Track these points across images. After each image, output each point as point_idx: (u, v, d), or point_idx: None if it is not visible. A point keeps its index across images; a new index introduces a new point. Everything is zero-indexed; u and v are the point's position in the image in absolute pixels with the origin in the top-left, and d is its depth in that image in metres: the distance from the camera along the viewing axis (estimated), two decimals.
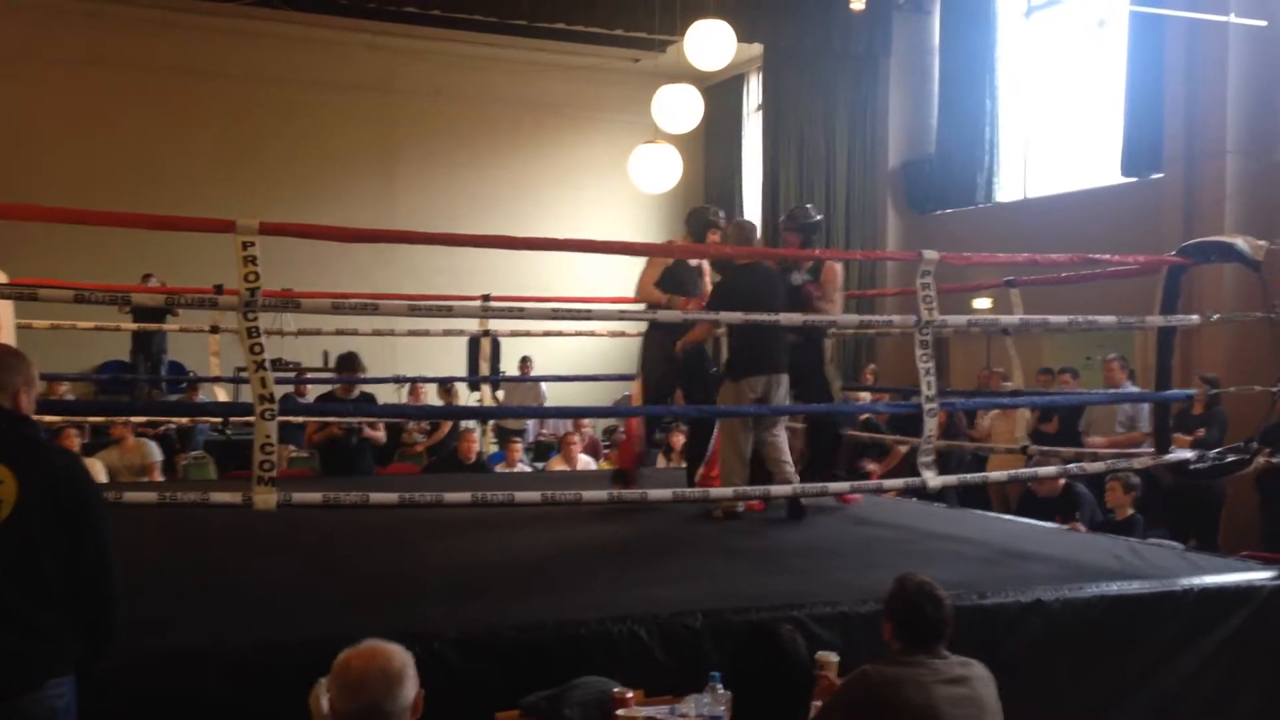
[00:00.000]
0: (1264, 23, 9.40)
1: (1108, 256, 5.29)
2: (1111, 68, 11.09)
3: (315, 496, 3.79)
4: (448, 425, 9.92)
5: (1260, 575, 4.78)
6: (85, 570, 2.66)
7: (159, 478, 8.83)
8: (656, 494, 4.65)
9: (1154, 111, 10.38)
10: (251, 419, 3.61)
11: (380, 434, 8.61)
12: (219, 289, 3.97)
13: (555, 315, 4.36)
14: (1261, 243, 5.28)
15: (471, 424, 9.32)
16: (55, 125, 13.20)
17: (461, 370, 11.82)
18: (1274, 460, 5.18)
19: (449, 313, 4.07)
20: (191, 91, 14.02)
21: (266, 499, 3.50)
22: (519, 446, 10.03)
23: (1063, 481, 7.60)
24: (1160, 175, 10.38)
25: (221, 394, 9.27)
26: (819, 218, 6.70)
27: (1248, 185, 9.62)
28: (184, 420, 9.54)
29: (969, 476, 4.99)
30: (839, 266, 6.33)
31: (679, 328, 6.27)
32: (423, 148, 15.31)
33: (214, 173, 13.49)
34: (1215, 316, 6.01)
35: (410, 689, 2.42)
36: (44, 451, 2.73)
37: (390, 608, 3.91)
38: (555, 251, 4.51)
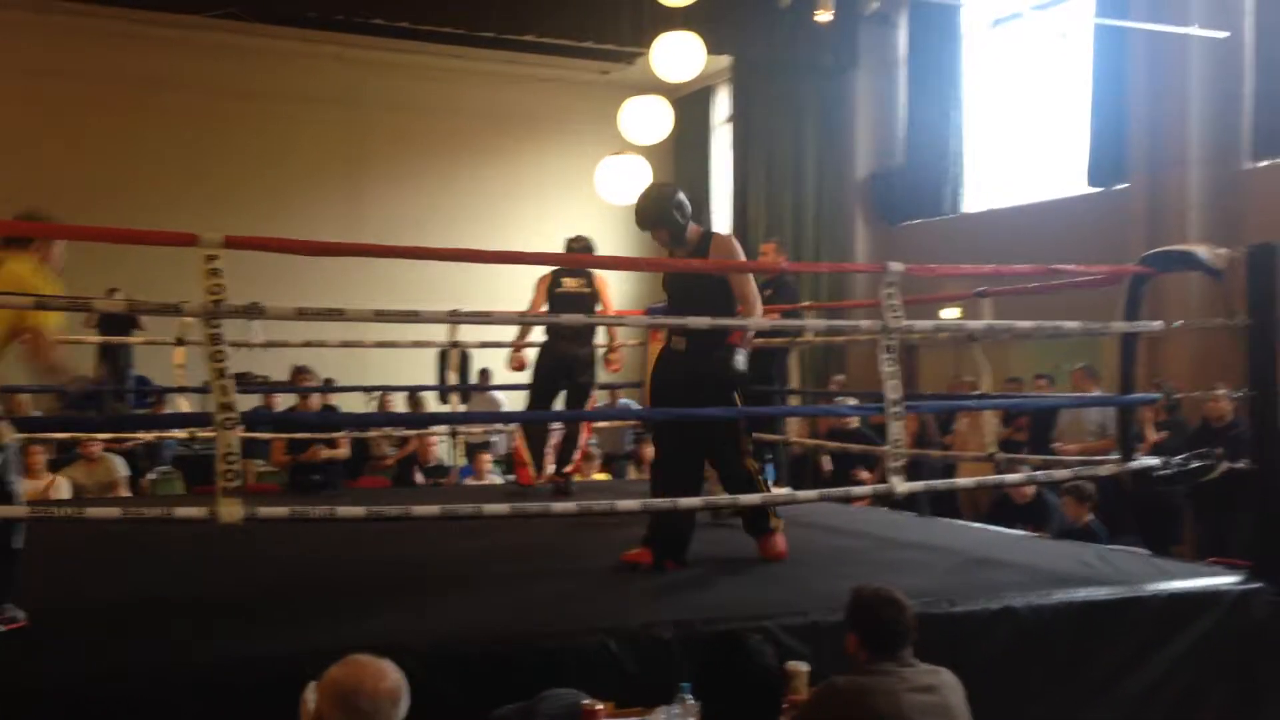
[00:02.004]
0: (1225, 34, 9.53)
1: (1072, 267, 5.33)
2: (1076, 79, 11.21)
3: (282, 510, 3.76)
4: (415, 440, 9.90)
5: (1226, 580, 4.83)
6: None
7: (125, 494, 8.74)
8: (625, 505, 4.63)
9: (1118, 122, 10.50)
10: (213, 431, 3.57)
11: (342, 451, 8.67)
12: (184, 301, 3.92)
13: (523, 321, 4.33)
14: (1222, 250, 5.33)
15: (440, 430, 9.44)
16: (10, 137, 13.05)
17: (432, 383, 11.80)
18: (1237, 466, 5.22)
19: (415, 318, 4.04)
20: (155, 104, 13.92)
21: (232, 512, 3.46)
22: (488, 459, 10.01)
23: (1033, 490, 7.66)
24: (1125, 185, 10.50)
25: (187, 406, 9.18)
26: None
27: (1211, 194, 9.74)
28: (150, 435, 9.44)
29: (937, 483, 5.00)
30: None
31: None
32: (391, 160, 15.25)
33: (178, 186, 13.37)
34: (1178, 323, 6.07)
35: (404, 708, 2.38)
36: None
37: (356, 620, 3.89)
38: (523, 265, 4.54)
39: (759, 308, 4.96)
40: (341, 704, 2.33)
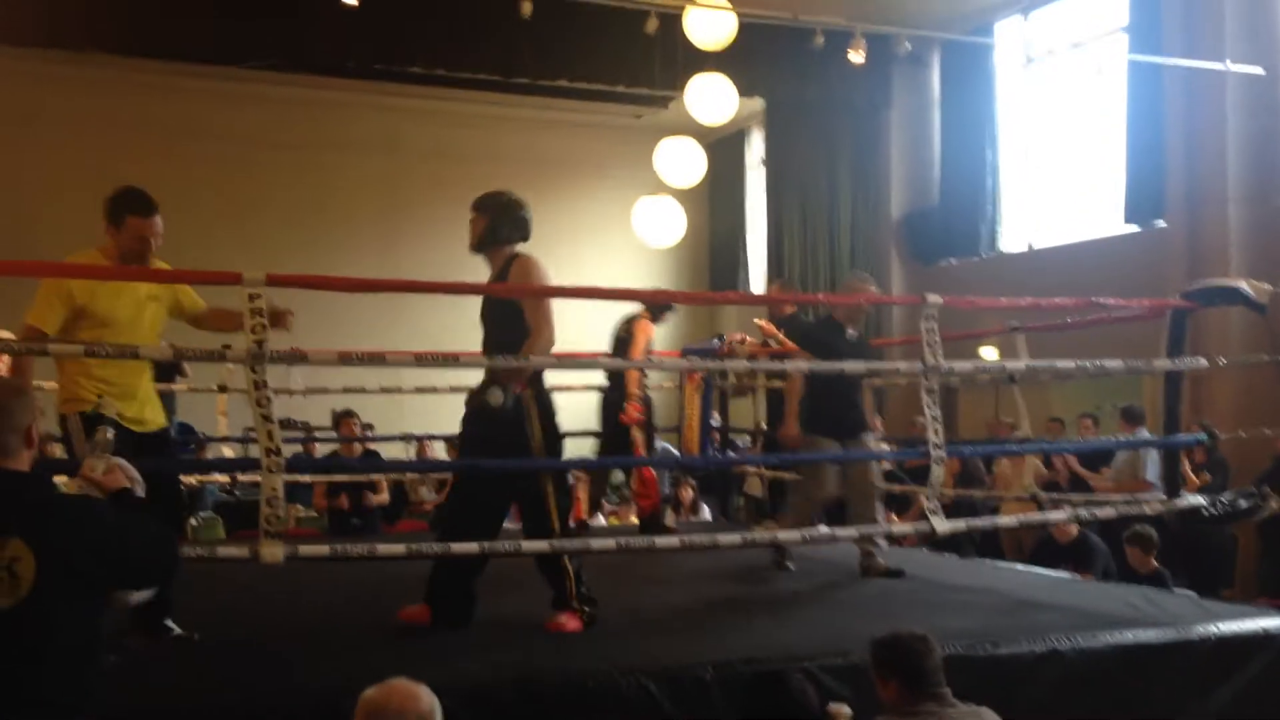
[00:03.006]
0: (1261, 70, 9.48)
1: (1112, 301, 5.29)
2: (1112, 116, 11.17)
3: (322, 549, 3.78)
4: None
5: (1276, 622, 4.73)
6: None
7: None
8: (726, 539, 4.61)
9: (1155, 159, 10.44)
10: (259, 476, 3.61)
11: (382, 496, 8.75)
12: (226, 347, 3.98)
13: (561, 365, 4.35)
14: (1266, 286, 5.28)
15: None
16: (59, 183, 13.28)
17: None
18: None
19: (455, 362, 4.07)
20: (195, 152, 14.16)
21: (273, 552, 3.48)
22: None
23: (1076, 530, 7.56)
24: (1163, 223, 10.42)
25: (229, 454, 9.27)
26: None
27: (1251, 231, 9.65)
28: (193, 481, 9.51)
29: (977, 521, 4.94)
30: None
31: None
32: (427, 207, 15.39)
33: (216, 235, 13.52)
34: (1223, 361, 5.99)
35: None
36: (59, 513, 2.44)
37: (392, 660, 3.87)
38: (558, 299, 4.53)
39: (548, 342, 4.44)
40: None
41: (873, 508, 6.00)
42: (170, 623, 4.14)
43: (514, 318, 4.48)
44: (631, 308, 7.60)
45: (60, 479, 3.47)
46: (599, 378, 7.93)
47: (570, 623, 4.39)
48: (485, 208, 4.73)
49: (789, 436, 5.95)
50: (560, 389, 9.45)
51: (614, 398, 7.50)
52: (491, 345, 4.50)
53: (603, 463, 8.21)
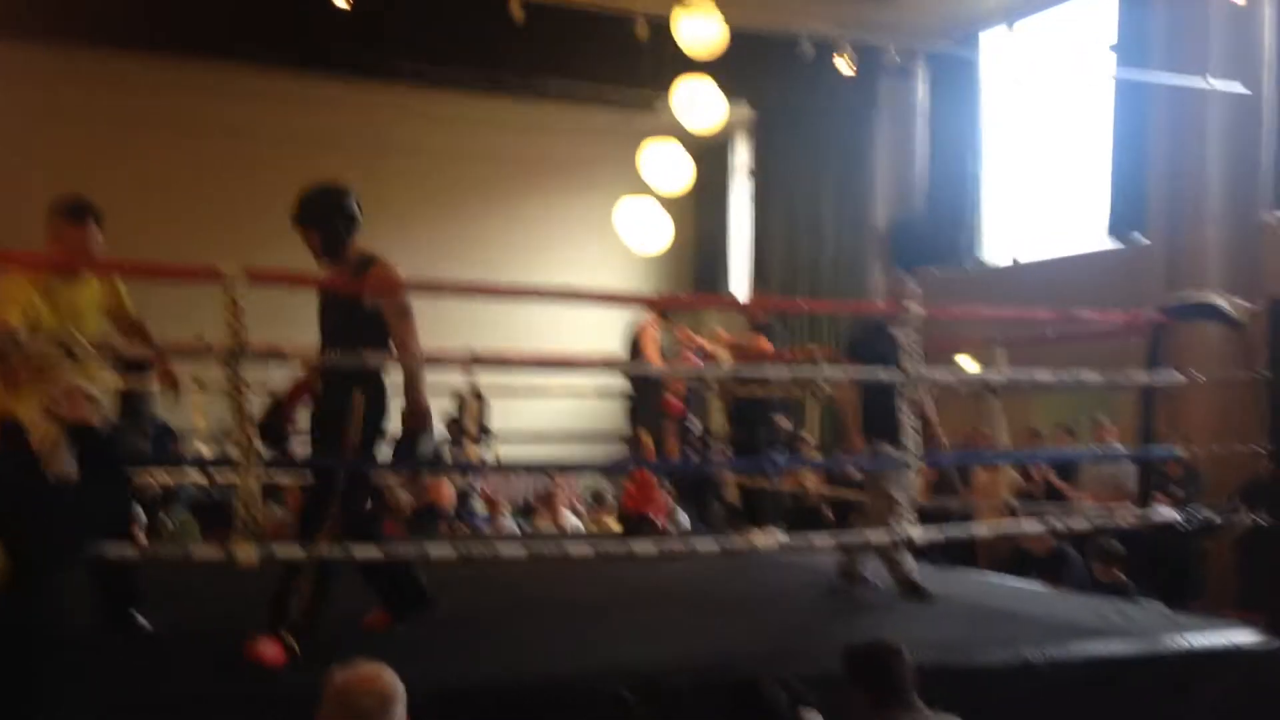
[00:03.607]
0: (1243, 88, 9.55)
1: (1091, 314, 5.32)
2: (1096, 132, 11.23)
3: (298, 550, 3.76)
4: (437, 486, 9.88)
5: (1245, 635, 4.77)
6: None
7: (141, 538, 8.73)
8: (703, 545, 4.59)
9: (1138, 176, 10.50)
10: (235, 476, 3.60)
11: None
12: (206, 345, 3.96)
13: (542, 364, 4.34)
14: (1243, 303, 5.32)
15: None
16: (46, 176, 13.20)
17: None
18: (1258, 520, 5.17)
19: (436, 361, 4.06)
20: (178, 147, 14.11)
21: (248, 553, 3.47)
22: (505, 507, 9.99)
23: (1052, 542, 7.60)
24: (1144, 238, 10.48)
25: (206, 452, 9.22)
26: None
27: (1231, 248, 9.72)
28: (169, 480, 9.44)
29: (953, 529, 4.97)
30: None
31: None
32: (410, 205, 15.36)
33: (199, 230, 13.44)
34: (1200, 376, 6.03)
35: (401, 711, 2.50)
36: None
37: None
38: (540, 301, 4.52)
39: (417, 359, 4.18)
40: (336, 703, 2.49)
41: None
42: (139, 616, 4.12)
43: (368, 327, 4.13)
44: (626, 313, 7.79)
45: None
46: (602, 381, 8.06)
47: (270, 651, 3.82)
48: (312, 219, 4.34)
49: (854, 448, 5.68)
50: (568, 395, 9.46)
51: (639, 403, 7.68)
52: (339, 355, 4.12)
53: (583, 465, 8.23)
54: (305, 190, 4.34)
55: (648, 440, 7.52)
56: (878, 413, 5.51)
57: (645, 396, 7.66)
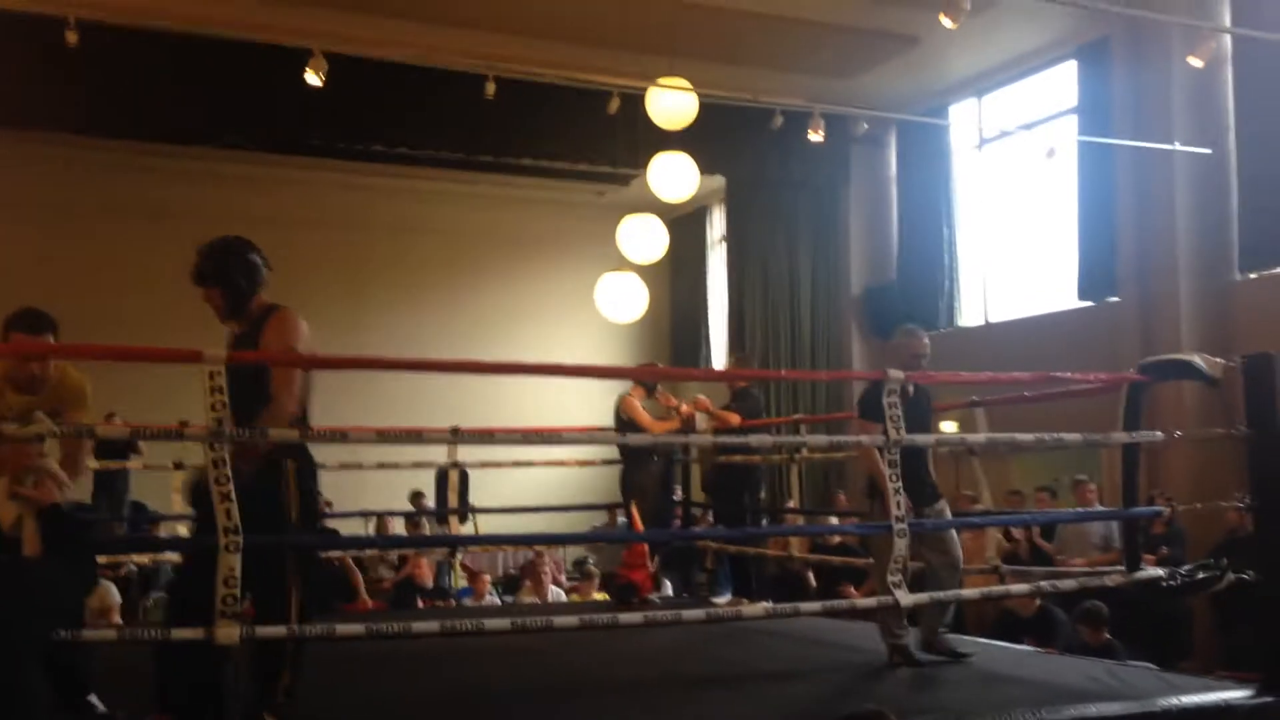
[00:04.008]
0: (1208, 150, 9.74)
1: (1069, 375, 5.36)
2: (1064, 195, 11.41)
3: (280, 630, 3.71)
4: (416, 561, 9.81)
5: (1237, 694, 4.74)
6: None
7: (117, 620, 8.60)
8: (689, 614, 4.49)
9: (1107, 236, 10.66)
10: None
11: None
12: (184, 424, 3.93)
13: (526, 440, 4.33)
14: (1218, 360, 5.37)
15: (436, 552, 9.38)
16: (9, 263, 13.17)
17: (430, 504, 11.70)
18: (1244, 577, 5.17)
19: (418, 439, 4.04)
20: (158, 231, 14.04)
21: (229, 633, 3.42)
22: (487, 580, 9.90)
23: (1038, 604, 7.58)
24: (1116, 299, 10.61)
25: (184, 533, 9.10)
26: None
27: (1202, 306, 9.85)
28: (145, 560, 9.33)
29: (940, 595, 4.95)
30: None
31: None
32: (391, 283, 15.43)
33: (179, 313, 13.36)
34: (1179, 434, 6.08)
35: None
36: None
37: None
38: (522, 375, 4.51)
39: (285, 411, 3.88)
40: None
41: (958, 580, 5.54)
42: (94, 700, 4.00)
43: (252, 379, 3.88)
44: (608, 383, 7.87)
45: None
46: (583, 451, 8.07)
47: None
48: (210, 276, 4.19)
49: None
50: (550, 464, 9.40)
51: (627, 472, 7.72)
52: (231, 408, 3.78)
53: (568, 538, 8.22)
54: (203, 246, 4.23)
55: (635, 511, 7.57)
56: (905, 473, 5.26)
57: (635, 466, 7.69)
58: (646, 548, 7.69)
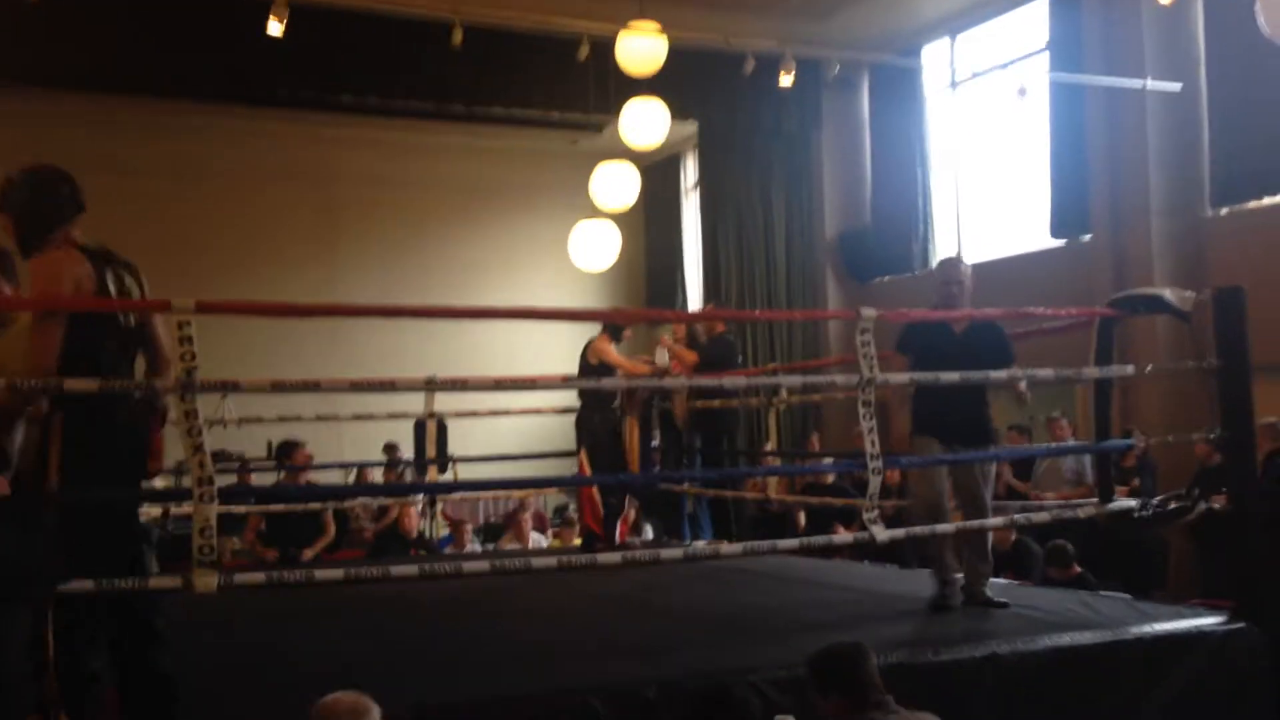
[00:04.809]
0: (1178, 86, 9.74)
1: (1042, 311, 5.39)
2: (1036, 134, 11.40)
3: (258, 577, 3.72)
4: (395, 510, 9.81)
5: (1210, 621, 4.83)
6: None
7: None
8: (667, 553, 4.57)
9: (1079, 175, 10.66)
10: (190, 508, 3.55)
11: (326, 537, 8.73)
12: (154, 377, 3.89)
13: (499, 386, 4.33)
14: (1189, 294, 5.40)
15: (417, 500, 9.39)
16: None
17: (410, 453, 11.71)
18: (1214, 506, 5.24)
19: (392, 388, 4.03)
20: (125, 185, 13.88)
21: (207, 581, 3.42)
22: (468, 528, 9.93)
23: (1014, 538, 7.66)
24: (1089, 237, 10.64)
25: (160, 486, 9.07)
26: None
27: (1174, 243, 9.89)
28: None
29: (917, 530, 4.99)
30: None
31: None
32: (363, 235, 15.31)
33: (148, 266, 13.22)
34: (1150, 368, 6.13)
35: None
36: None
37: (338, 688, 3.83)
38: (494, 320, 4.48)
39: (36, 369, 3.37)
40: None
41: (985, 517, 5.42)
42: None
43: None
44: (581, 331, 7.83)
45: None
46: (559, 399, 8.04)
47: None
48: (5, 204, 3.65)
49: (897, 439, 5.41)
50: (527, 411, 9.43)
51: (586, 415, 7.69)
52: None
53: (538, 482, 8.23)
54: (12, 172, 3.71)
55: (583, 458, 7.61)
56: (927, 408, 5.35)
57: (592, 409, 7.67)
58: (596, 495, 7.68)
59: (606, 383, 6.76)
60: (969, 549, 5.37)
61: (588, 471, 7.58)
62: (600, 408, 7.71)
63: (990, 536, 5.50)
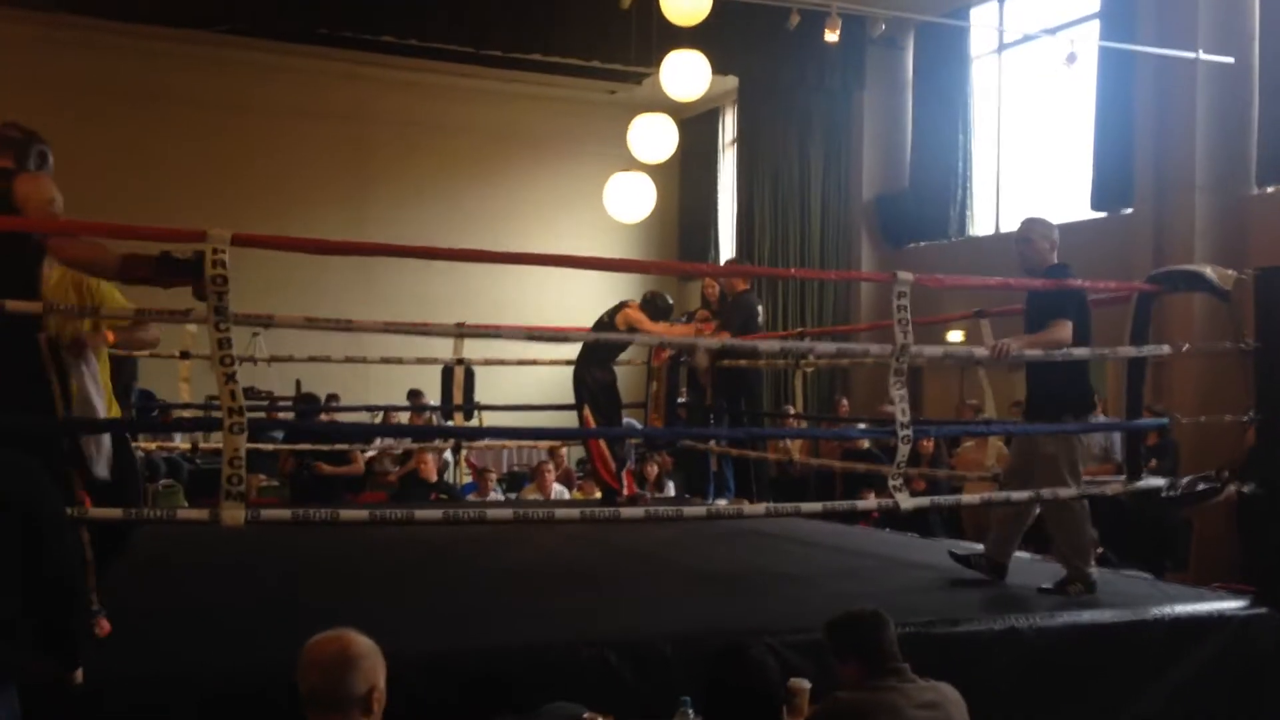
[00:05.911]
0: (1230, 59, 9.54)
1: (1079, 283, 5.30)
2: (1082, 103, 11.22)
3: (284, 513, 3.74)
4: (421, 456, 9.87)
5: (1231, 605, 4.80)
6: (45, 574, 2.59)
7: None
8: (690, 510, 4.57)
9: (1124, 146, 10.49)
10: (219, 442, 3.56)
11: (356, 466, 8.83)
12: (189, 309, 3.91)
13: (531, 336, 4.31)
14: (1230, 272, 5.31)
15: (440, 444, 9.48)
16: None
17: (435, 401, 11.76)
18: (1244, 490, 5.18)
19: (425, 331, 4.03)
20: (162, 117, 13.96)
21: (234, 514, 3.44)
22: (492, 477, 9.98)
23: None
24: (1130, 210, 10.49)
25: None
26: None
27: (1217, 219, 9.73)
28: (152, 447, 9.41)
29: (941, 499, 4.96)
30: None
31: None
32: (397, 177, 15.29)
33: (183, 200, 13.30)
34: (1186, 347, 6.04)
35: (362, 679, 2.48)
36: None
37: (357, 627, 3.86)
38: (529, 266, 4.46)
39: None
40: (306, 663, 2.51)
41: (1068, 516, 5.13)
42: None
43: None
44: (609, 286, 7.79)
45: None
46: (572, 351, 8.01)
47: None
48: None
49: None
50: (556, 363, 9.52)
51: (582, 371, 7.67)
52: None
53: (566, 433, 8.27)
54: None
55: (587, 414, 7.62)
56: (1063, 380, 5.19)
57: (590, 365, 7.68)
58: (605, 450, 7.68)
59: (640, 338, 6.71)
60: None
61: (590, 425, 7.62)
62: (599, 363, 7.72)
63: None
